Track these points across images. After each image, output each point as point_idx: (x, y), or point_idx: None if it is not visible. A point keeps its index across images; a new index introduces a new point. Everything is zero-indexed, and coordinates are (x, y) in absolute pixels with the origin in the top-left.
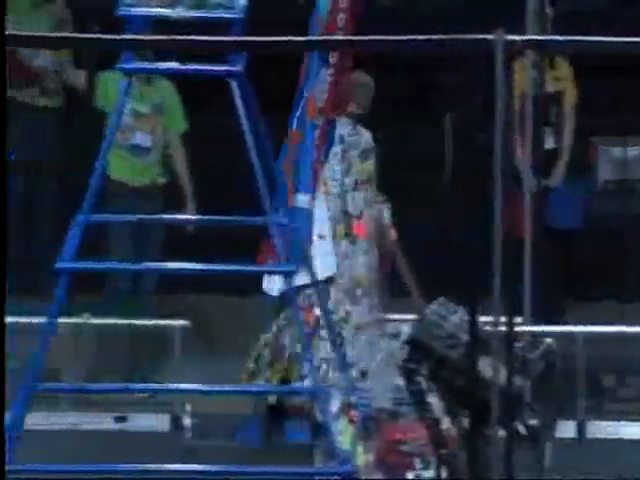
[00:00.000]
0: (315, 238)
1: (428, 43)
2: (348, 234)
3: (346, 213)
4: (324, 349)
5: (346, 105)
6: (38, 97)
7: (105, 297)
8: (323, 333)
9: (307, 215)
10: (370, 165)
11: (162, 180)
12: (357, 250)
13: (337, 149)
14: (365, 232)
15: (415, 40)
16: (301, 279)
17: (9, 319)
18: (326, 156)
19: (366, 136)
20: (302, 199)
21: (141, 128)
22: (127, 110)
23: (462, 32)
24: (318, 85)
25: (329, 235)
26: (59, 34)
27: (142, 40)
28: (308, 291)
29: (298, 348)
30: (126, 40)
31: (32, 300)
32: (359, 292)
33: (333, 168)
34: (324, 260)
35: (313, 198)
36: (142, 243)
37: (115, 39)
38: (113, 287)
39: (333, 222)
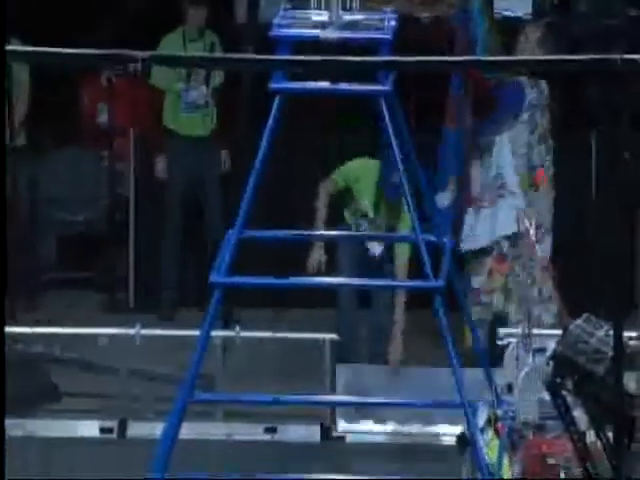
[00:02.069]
0: (506, 193)
1: (576, 63)
2: (532, 185)
3: (532, 167)
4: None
5: None
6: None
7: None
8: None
9: (445, 214)
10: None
11: None
12: (540, 196)
13: (525, 116)
14: (546, 178)
15: (563, 60)
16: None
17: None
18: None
19: (542, 89)
20: (441, 198)
21: None
22: None
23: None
24: None
25: (519, 190)
26: (215, 55)
27: (294, 61)
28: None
29: None
30: (278, 61)
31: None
32: (542, 231)
33: (521, 132)
34: (509, 216)
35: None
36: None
37: (267, 60)
38: None
39: (520, 177)
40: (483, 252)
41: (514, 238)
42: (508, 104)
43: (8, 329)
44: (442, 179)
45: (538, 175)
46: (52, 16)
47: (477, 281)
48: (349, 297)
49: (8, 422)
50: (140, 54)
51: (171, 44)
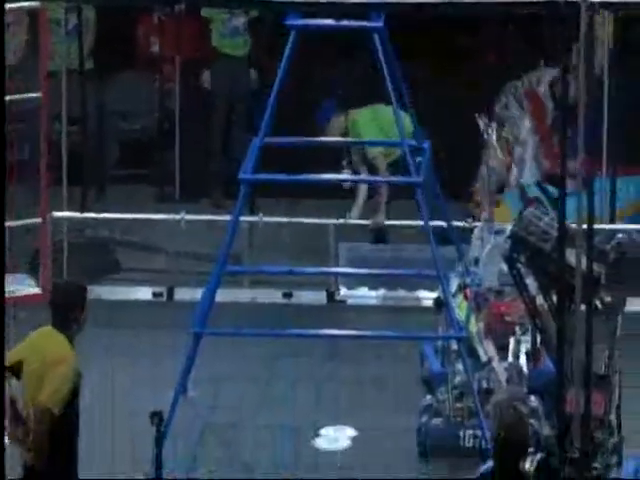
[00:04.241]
0: None
1: (525, 5)
2: None
3: None
4: None
5: None
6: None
7: None
8: None
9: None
10: None
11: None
12: None
13: None
14: None
15: (513, 3)
16: None
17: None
18: None
19: None
20: None
21: None
22: None
23: None
24: None
25: None
26: None
27: (305, 3)
28: None
29: None
30: (287, 3)
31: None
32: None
33: None
34: None
35: None
36: None
37: (279, 2)
38: None
39: None
40: None
41: None
42: None
43: (81, 215)
44: None
45: None
46: None
47: None
48: None
49: None
50: None
51: None
